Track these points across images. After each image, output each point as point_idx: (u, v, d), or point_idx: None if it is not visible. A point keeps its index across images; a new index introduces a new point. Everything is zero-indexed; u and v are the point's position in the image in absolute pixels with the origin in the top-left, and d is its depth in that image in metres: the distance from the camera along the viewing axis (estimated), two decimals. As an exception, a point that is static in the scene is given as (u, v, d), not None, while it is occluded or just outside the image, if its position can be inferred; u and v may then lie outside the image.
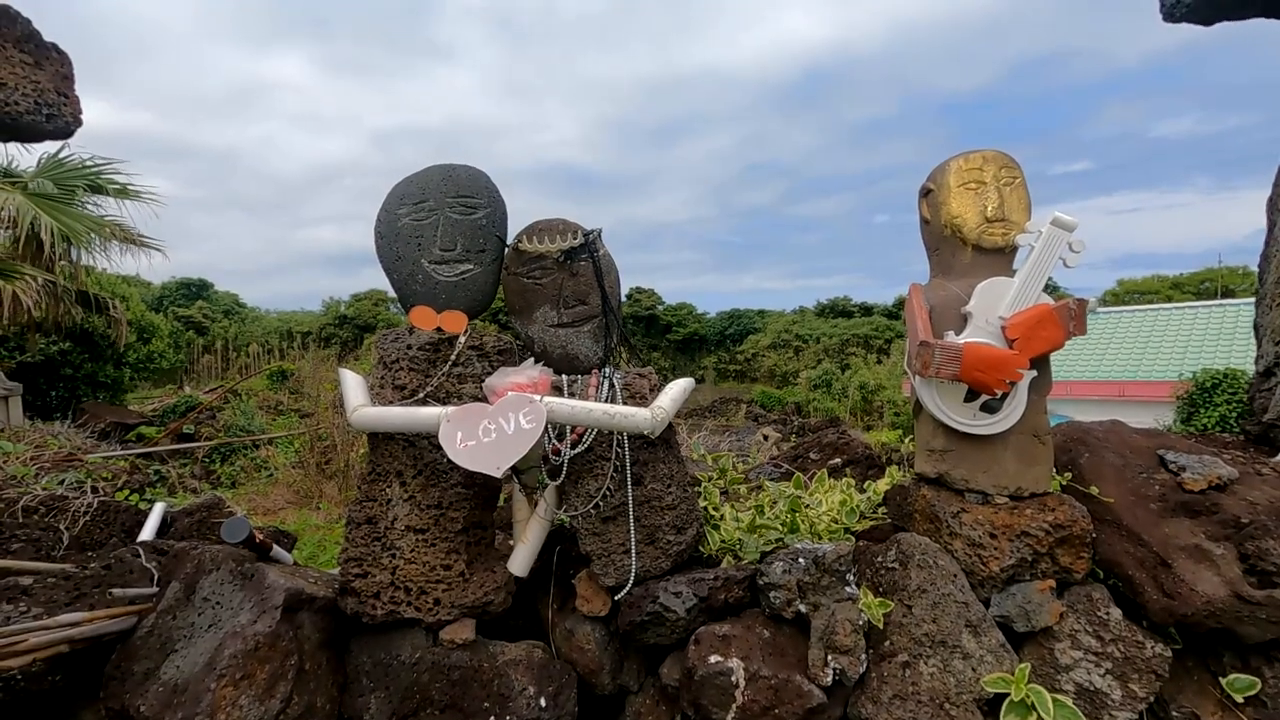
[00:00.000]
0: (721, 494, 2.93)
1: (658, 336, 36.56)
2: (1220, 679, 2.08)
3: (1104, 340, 14.99)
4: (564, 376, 2.27)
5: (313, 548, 5.20)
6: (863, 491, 2.75)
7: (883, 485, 2.74)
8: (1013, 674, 1.98)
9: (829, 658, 2.03)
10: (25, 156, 7.81)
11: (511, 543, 2.41)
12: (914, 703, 1.99)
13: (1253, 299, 3.23)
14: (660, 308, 37.09)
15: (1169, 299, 24.74)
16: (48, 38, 3.81)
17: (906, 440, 3.71)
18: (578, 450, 2.17)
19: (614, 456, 2.20)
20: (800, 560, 2.14)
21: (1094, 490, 2.29)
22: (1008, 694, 1.96)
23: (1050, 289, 2.22)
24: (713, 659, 2.02)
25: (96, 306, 9.23)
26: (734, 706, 1.96)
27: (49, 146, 8.11)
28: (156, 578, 2.26)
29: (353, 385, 2.25)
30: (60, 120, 3.77)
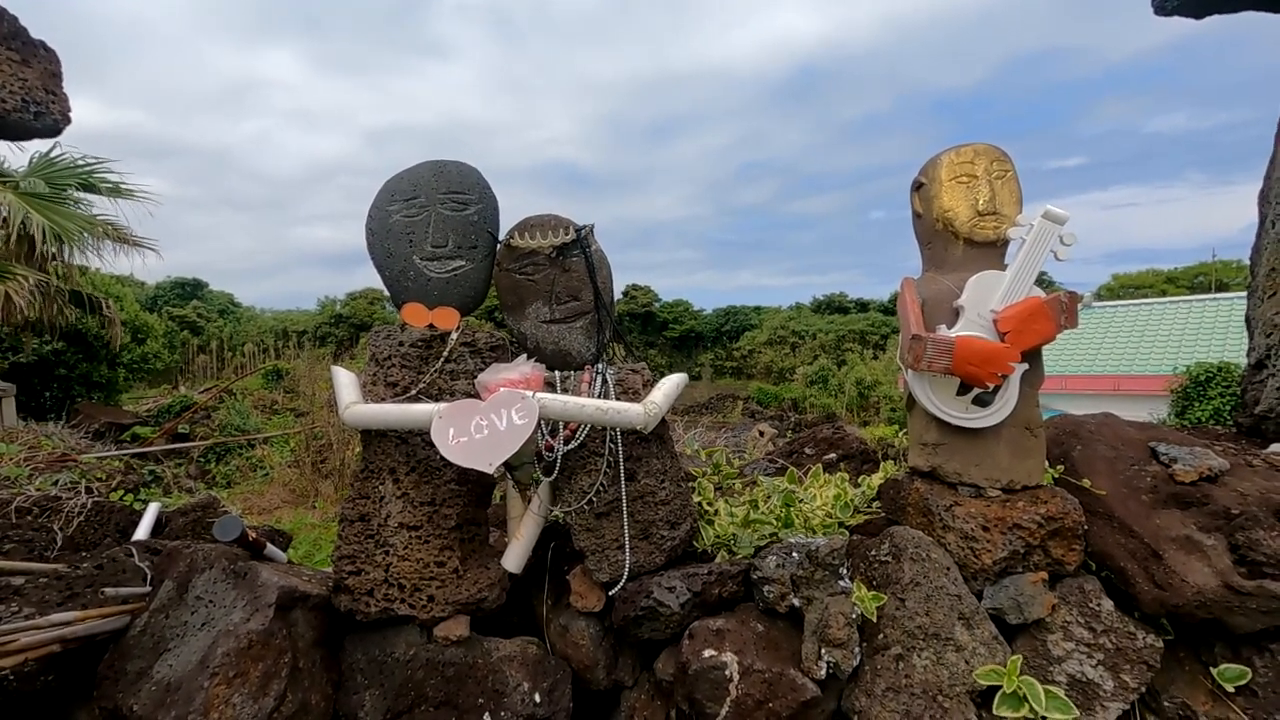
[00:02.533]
0: (716, 489, 2.93)
1: (654, 333, 36.52)
2: (1211, 669, 2.09)
3: (1099, 334, 15.04)
4: (557, 372, 2.27)
5: (309, 546, 5.19)
6: (857, 486, 2.76)
7: (877, 479, 2.74)
8: (1005, 666, 1.99)
9: (823, 651, 2.04)
10: (17, 156, 7.77)
11: (506, 539, 2.41)
12: (907, 695, 2.00)
13: (1245, 293, 3.25)
14: (657, 305, 37.02)
15: (1163, 293, 24.84)
16: (35, 35, 3.79)
17: (902, 435, 3.72)
18: (571, 446, 2.17)
19: (607, 452, 2.20)
20: (794, 554, 2.14)
21: (1086, 483, 2.30)
22: (1000, 686, 1.97)
23: (1045, 283, 2.22)
24: (707, 653, 2.02)
25: (90, 306, 9.19)
26: (728, 700, 1.97)
27: (40, 145, 8.08)
28: (149, 577, 2.25)
29: (345, 383, 2.25)
30: (48, 118, 3.75)
